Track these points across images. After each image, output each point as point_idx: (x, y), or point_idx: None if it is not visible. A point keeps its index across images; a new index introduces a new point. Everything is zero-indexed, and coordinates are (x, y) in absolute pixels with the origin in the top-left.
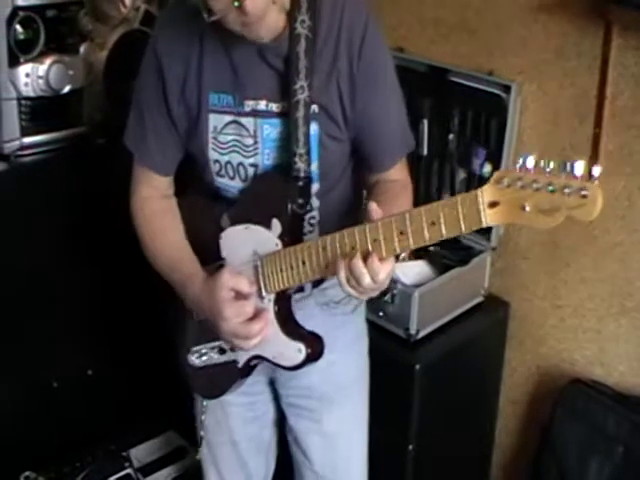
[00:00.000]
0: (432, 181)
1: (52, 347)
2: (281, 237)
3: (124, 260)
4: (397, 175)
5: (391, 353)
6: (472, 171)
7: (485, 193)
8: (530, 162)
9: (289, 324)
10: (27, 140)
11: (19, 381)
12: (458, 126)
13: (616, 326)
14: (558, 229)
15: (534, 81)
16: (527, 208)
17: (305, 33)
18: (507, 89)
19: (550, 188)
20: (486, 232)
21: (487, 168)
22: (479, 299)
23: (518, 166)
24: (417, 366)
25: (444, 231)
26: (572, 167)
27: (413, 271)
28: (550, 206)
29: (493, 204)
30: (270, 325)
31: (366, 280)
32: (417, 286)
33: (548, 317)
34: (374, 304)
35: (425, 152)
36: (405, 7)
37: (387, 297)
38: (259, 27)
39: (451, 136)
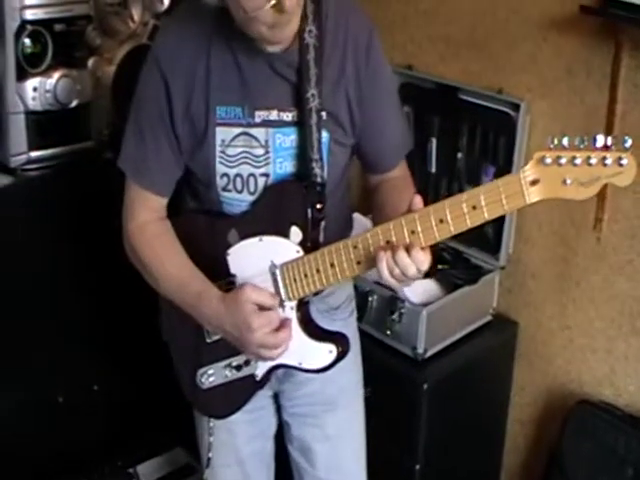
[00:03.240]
0: (440, 199)
1: (58, 362)
2: (302, 244)
3: (131, 275)
4: (399, 172)
5: (398, 372)
6: None
7: (528, 172)
8: (565, 141)
9: (313, 328)
10: (34, 154)
11: (25, 396)
12: (467, 144)
13: (626, 346)
14: (568, 247)
15: (544, 99)
16: (568, 182)
17: (313, 42)
18: (516, 107)
19: (590, 161)
20: (495, 251)
21: None
22: (487, 318)
23: (552, 145)
24: (425, 385)
25: (486, 214)
26: (605, 140)
27: (421, 289)
28: (589, 178)
29: (534, 182)
30: (294, 332)
31: (412, 270)
32: (425, 305)
33: (557, 337)
34: (382, 322)
35: (434, 170)
36: (415, 24)
37: (395, 315)
38: (288, 28)
39: (460, 154)
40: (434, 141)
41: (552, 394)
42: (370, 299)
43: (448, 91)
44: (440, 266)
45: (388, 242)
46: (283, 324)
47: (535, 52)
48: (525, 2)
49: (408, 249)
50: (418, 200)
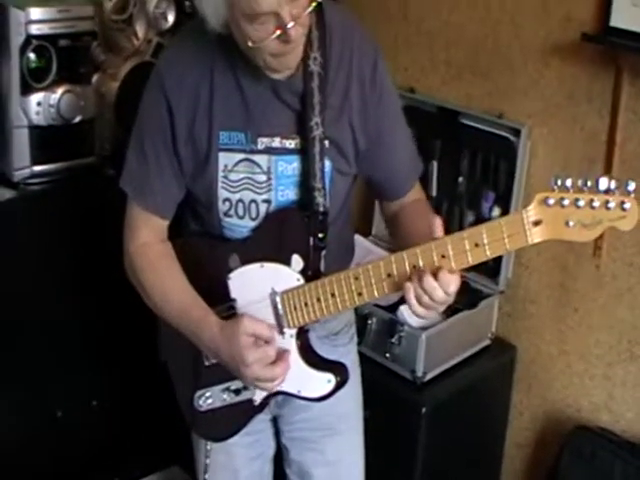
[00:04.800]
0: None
1: (57, 377)
2: (303, 272)
3: (130, 291)
4: (415, 195)
5: (397, 395)
6: (481, 214)
7: (530, 214)
8: (569, 182)
9: (312, 356)
10: (37, 168)
11: (23, 410)
12: (468, 168)
13: (624, 373)
14: (567, 274)
15: (544, 125)
16: (571, 224)
17: (317, 70)
18: (517, 132)
19: (593, 204)
20: (494, 275)
21: (496, 212)
22: (486, 342)
23: (555, 186)
24: (423, 408)
25: (489, 252)
26: (608, 183)
27: None
28: (592, 220)
29: (537, 223)
30: (293, 360)
31: (439, 293)
32: (424, 329)
33: (555, 362)
34: (381, 346)
35: (434, 193)
36: (417, 48)
37: (394, 339)
38: (292, 56)
39: (460, 178)
40: (435, 164)
41: (550, 419)
42: (369, 322)
43: (449, 115)
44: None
45: (389, 275)
46: (280, 357)
47: (536, 78)
48: (527, 28)
49: (435, 273)
50: (438, 223)
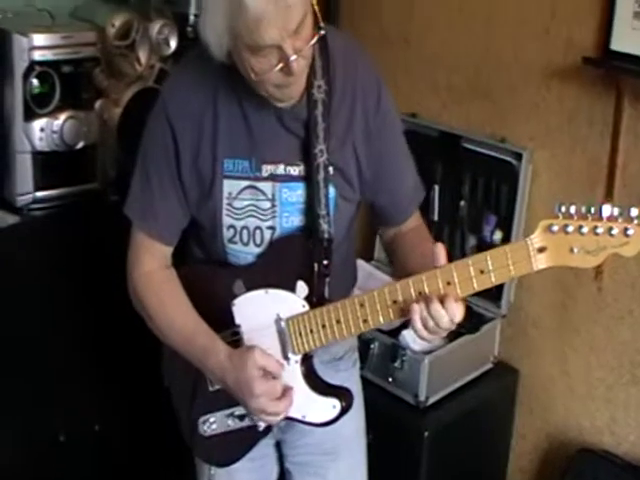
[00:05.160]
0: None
1: (60, 401)
2: (308, 298)
3: (134, 317)
4: (414, 222)
5: (400, 419)
6: (483, 238)
7: (535, 240)
8: (572, 209)
9: (317, 382)
10: (40, 194)
11: (26, 433)
12: (469, 192)
13: (626, 395)
14: (568, 296)
15: (546, 148)
16: (575, 250)
17: (322, 97)
18: (519, 156)
19: (597, 230)
20: (496, 299)
21: (498, 235)
22: (488, 366)
23: (559, 213)
24: (426, 432)
25: (494, 278)
26: (611, 210)
27: None
28: (596, 247)
29: (541, 249)
30: (298, 385)
31: (445, 321)
32: (427, 353)
33: (557, 385)
34: (383, 370)
35: (436, 218)
36: (418, 72)
37: (396, 363)
38: (295, 87)
39: (462, 202)
40: (437, 189)
41: (552, 442)
42: (372, 346)
43: (451, 139)
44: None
45: (395, 302)
46: (285, 393)
47: (538, 101)
48: (528, 52)
49: (442, 300)
50: (440, 248)
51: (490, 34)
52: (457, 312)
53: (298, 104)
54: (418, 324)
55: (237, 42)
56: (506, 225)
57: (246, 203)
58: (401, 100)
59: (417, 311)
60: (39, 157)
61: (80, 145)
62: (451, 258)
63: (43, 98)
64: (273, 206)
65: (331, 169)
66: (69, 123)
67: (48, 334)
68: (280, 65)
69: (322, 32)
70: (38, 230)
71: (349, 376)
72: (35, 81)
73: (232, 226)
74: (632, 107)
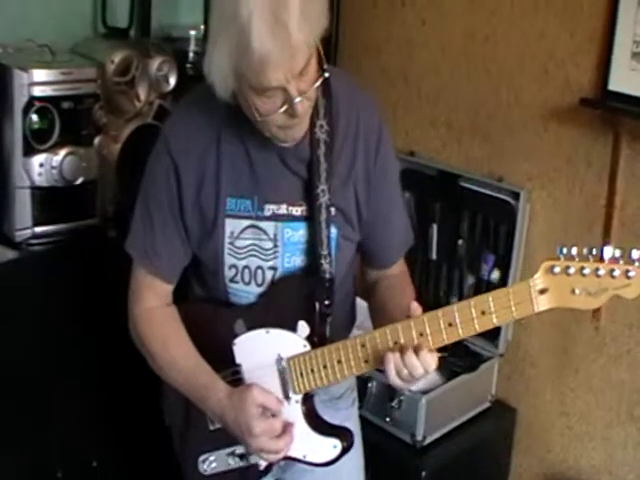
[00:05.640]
0: (440, 285)
1: (57, 437)
2: (309, 338)
3: (135, 354)
4: (398, 268)
5: (397, 458)
6: (480, 277)
7: (537, 282)
8: (574, 251)
9: (318, 422)
10: (39, 229)
11: (24, 469)
12: (467, 231)
13: (625, 434)
14: (567, 335)
15: (544, 188)
16: (577, 292)
17: (324, 138)
18: (516, 196)
19: (599, 272)
20: (494, 338)
21: (495, 274)
22: (486, 405)
23: (561, 255)
24: (423, 472)
25: (495, 320)
26: (613, 252)
27: None
28: (598, 288)
29: (543, 291)
30: (299, 425)
31: (419, 371)
32: (424, 392)
33: (555, 424)
34: (381, 409)
35: (434, 256)
36: (418, 111)
37: (394, 402)
38: (298, 128)
39: (460, 241)
40: (435, 227)
41: None
42: (370, 385)
43: (449, 178)
44: (439, 354)
45: (396, 343)
46: (285, 430)
47: (536, 141)
48: (526, 92)
49: (416, 350)
50: (416, 307)
51: (489, 74)
52: (432, 363)
53: (301, 144)
54: (392, 372)
55: (242, 83)
56: (504, 264)
57: (248, 242)
58: (400, 138)
59: (391, 361)
60: (38, 192)
61: (79, 181)
62: (448, 299)
63: (43, 134)
64: (275, 246)
65: (333, 209)
66: (68, 159)
67: (47, 370)
68: (284, 107)
69: (326, 75)
70: (37, 265)
71: (349, 415)
72: (35, 116)
73: (234, 265)
74: (630, 148)
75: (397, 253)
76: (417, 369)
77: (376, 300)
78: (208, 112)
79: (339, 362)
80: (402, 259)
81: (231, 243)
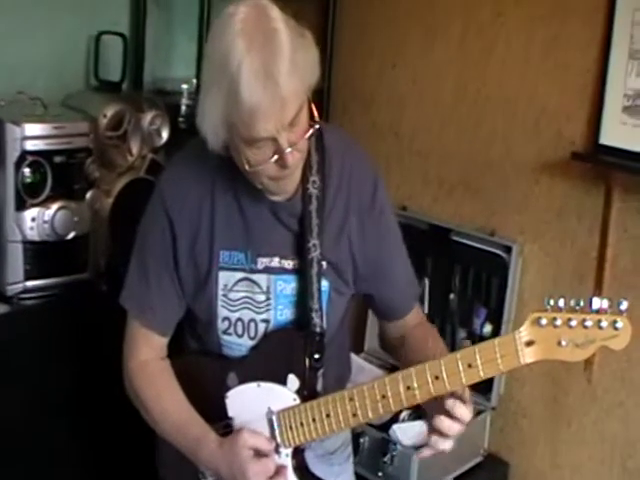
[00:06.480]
0: None
1: None
2: (299, 392)
3: (126, 405)
4: (417, 317)
5: None
6: (473, 330)
7: (523, 334)
8: (561, 302)
9: (308, 476)
10: (30, 283)
11: None
12: (459, 285)
13: None
14: (559, 387)
15: (535, 241)
16: (563, 343)
17: (316, 193)
18: (508, 249)
19: (586, 323)
20: (486, 391)
21: (488, 328)
22: (479, 459)
23: (548, 306)
24: None
25: (482, 372)
26: (600, 302)
27: (413, 431)
28: (585, 340)
29: (529, 343)
30: (290, 478)
31: (456, 427)
32: (416, 448)
33: (548, 477)
34: (373, 464)
35: (426, 310)
36: (409, 166)
37: (386, 458)
38: (289, 181)
39: (452, 295)
40: (427, 282)
41: None
42: (362, 440)
43: (441, 232)
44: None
45: (384, 397)
46: (279, 472)
47: (527, 195)
48: (518, 146)
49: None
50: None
51: (480, 128)
52: (466, 414)
53: (293, 198)
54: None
55: (233, 134)
56: (496, 318)
57: (241, 295)
58: (391, 193)
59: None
60: (30, 247)
61: (71, 235)
62: None
63: (35, 188)
64: (268, 299)
65: (324, 264)
66: (60, 213)
67: (40, 425)
68: (275, 157)
69: (317, 126)
70: (28, 319)
71: (342, 471)
72: (27, 170)
73: (227, 318)
74: (621, 201)
75: (405, 304)
76: (452, 427)
77: (405, 353)
78: (202, 165)
79: (327, 416)
80: (417, 309)
81: (224, 295)
